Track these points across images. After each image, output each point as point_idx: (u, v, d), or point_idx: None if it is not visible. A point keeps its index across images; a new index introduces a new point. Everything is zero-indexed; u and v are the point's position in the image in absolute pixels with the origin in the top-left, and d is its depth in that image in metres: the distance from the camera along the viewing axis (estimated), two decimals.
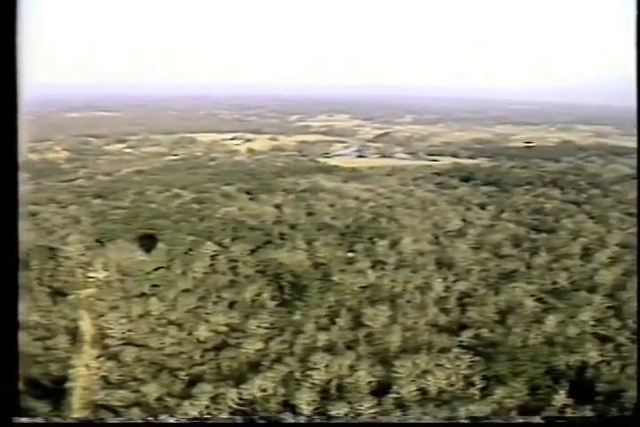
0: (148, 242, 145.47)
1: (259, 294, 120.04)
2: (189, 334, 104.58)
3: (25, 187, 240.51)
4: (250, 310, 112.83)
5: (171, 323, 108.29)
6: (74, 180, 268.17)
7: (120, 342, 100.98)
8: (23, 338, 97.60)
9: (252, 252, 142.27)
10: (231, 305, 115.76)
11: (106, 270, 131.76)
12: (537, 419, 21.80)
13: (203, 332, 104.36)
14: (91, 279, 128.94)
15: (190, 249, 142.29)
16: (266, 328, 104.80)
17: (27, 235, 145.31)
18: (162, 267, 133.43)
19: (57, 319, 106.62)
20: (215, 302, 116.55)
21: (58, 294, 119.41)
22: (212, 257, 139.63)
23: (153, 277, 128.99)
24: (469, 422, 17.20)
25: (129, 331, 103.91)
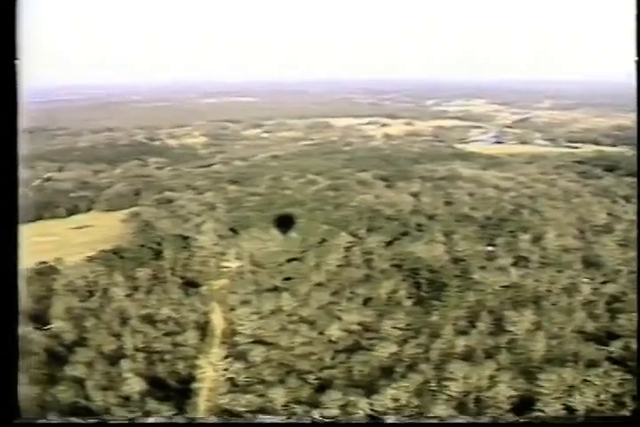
0: (281, 231, 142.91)
1: (394, 291, 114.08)
2: (321, 333, 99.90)
3: (163, 172, 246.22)
4: (385, 308, 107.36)
5: (302, 320, 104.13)
6: (211, 165, 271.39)
7: (249, 340, 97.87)
8: (152, 333, 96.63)
9: (388, 244, 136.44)
10: (365, 302, 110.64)
11: (238, 260, 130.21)
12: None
13: (334, 331, 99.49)
14: (224, 269, 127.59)
15: (324, 239, 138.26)
16: (401, 329, 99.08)
17: (162, 223, 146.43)
18: (295, 258, 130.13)
19: (188, 313, 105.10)
20: (349, 299, 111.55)
21: (190, 285, 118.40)
22: (347, 249, 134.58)
23: (285, 268, 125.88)
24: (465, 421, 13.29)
25: (259, 328, 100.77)
